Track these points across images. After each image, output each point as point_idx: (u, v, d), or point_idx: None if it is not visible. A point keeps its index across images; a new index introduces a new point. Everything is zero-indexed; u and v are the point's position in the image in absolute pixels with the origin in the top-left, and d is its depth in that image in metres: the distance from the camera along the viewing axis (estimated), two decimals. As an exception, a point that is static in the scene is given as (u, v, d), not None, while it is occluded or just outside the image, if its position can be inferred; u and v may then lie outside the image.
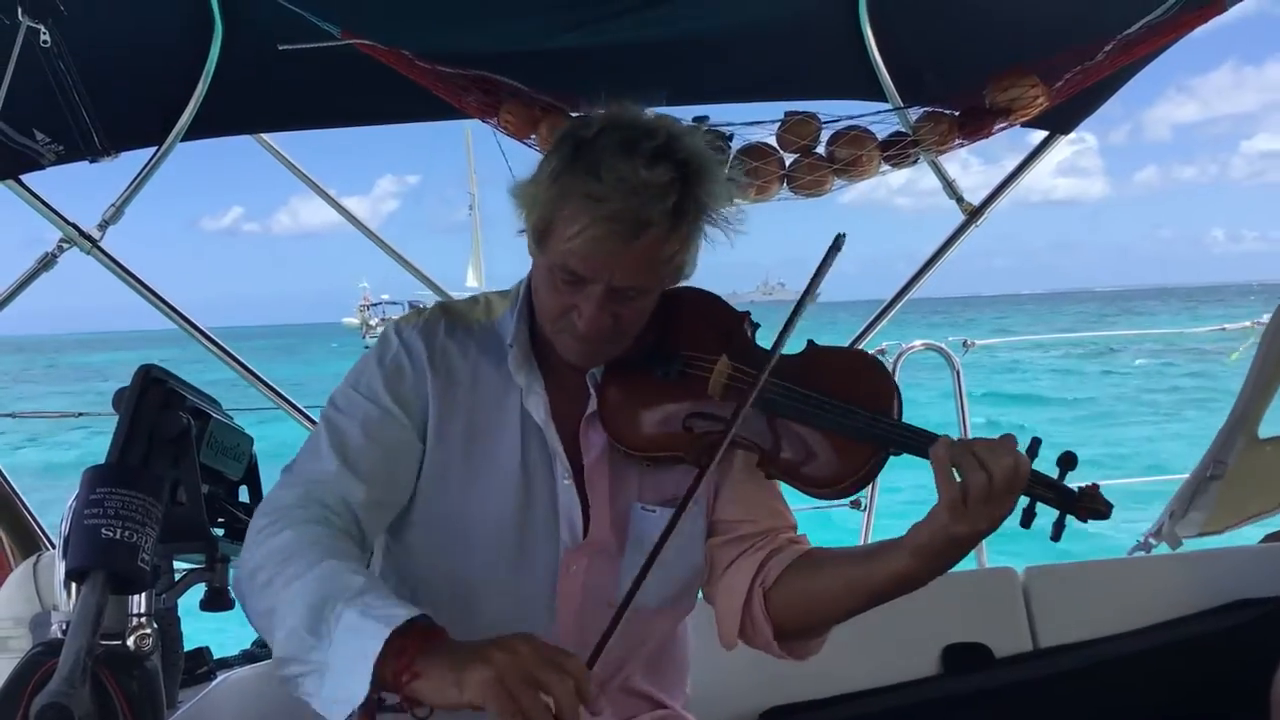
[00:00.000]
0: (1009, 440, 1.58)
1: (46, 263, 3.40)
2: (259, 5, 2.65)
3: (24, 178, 3.26)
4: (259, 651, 3.04)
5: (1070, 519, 1.65)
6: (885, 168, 3.26)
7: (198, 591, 2.01)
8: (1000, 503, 1.55)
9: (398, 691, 1.37)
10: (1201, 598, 2.96)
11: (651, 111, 1.77)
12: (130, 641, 1.77)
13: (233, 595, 2.02)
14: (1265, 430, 3.51)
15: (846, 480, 1.72)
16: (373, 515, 1.74)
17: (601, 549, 1.82)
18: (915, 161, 3.30)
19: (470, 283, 63.79)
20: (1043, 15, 3.23)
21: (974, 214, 3.79)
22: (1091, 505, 1.64)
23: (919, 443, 1.65)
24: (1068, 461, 1.63)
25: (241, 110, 3.41)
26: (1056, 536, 1.63)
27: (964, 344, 4.66)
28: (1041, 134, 3.74)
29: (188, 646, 2.26)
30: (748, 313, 1.88)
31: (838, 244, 1.78)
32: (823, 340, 1.85)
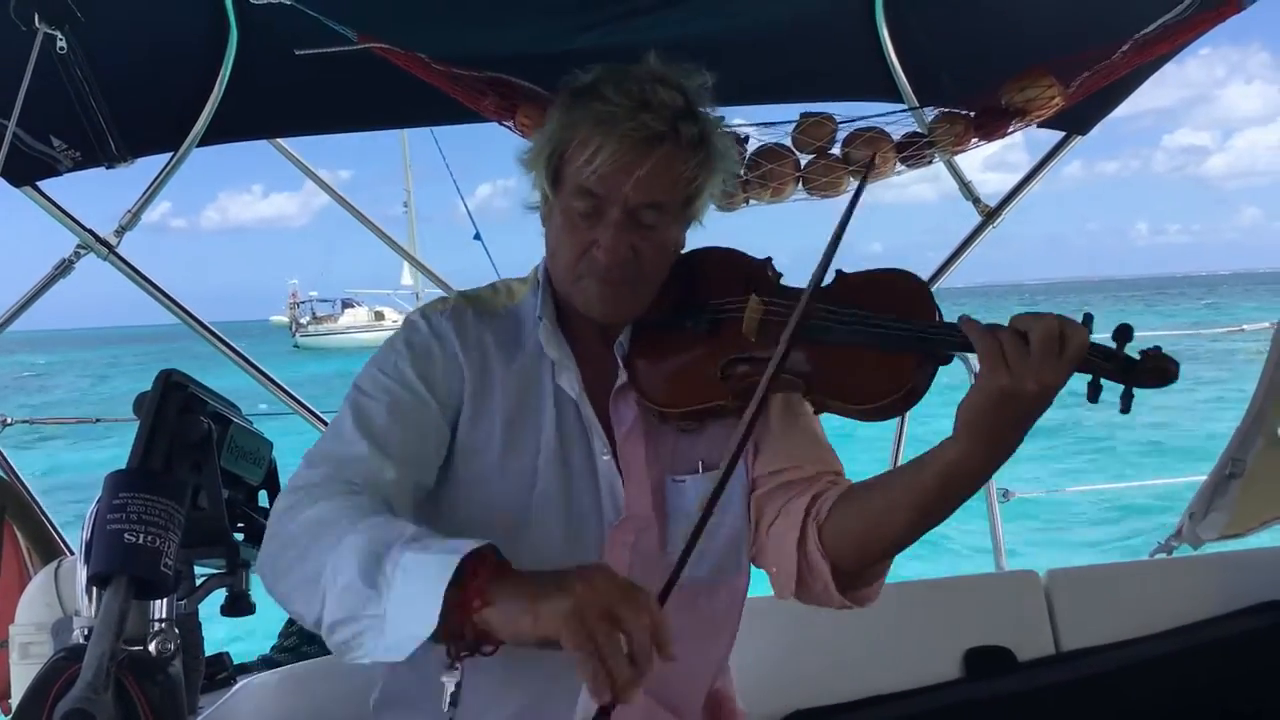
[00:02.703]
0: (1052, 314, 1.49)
1: (64, 269, 3.40)
2: (274, 10, 2.65)
3: (41, 184, 3.27)
4: (278, 657, 3.04)
5: (1138, 390, 1.53)
6: (901, 168, 3.24)
7: (216, 597, 2.01)
8: (1045, 362, 1.45)
9: (465, 622, 1.29)
10: (1225, 600, 2.95)
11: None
12: (152, 647, 1.76)
13: (253, 600, 2.02)
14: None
15: (897, 392, 1.63)
16: (401, 497, 1.66)
17: (645, 524, 1.80)
18: (931, 162, 3.28)
19: (405, 281, 62.04)
20: (1059, 15, 3.22)
21: (990, 215, 3.80)
22: (1157, 366, 1.53)
23: (960, 338, 1.56)
24: (1123, 333, 1.53)
25: (257, 114, 3.42)
26: (1125, 408, 1.52)
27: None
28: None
29: (207, 652, 2.25)
30: (769, 258, 1.85)
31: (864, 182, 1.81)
32: None
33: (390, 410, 1.70)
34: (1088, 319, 1.50)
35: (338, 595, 1.36)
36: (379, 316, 65.82)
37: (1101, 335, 1.50)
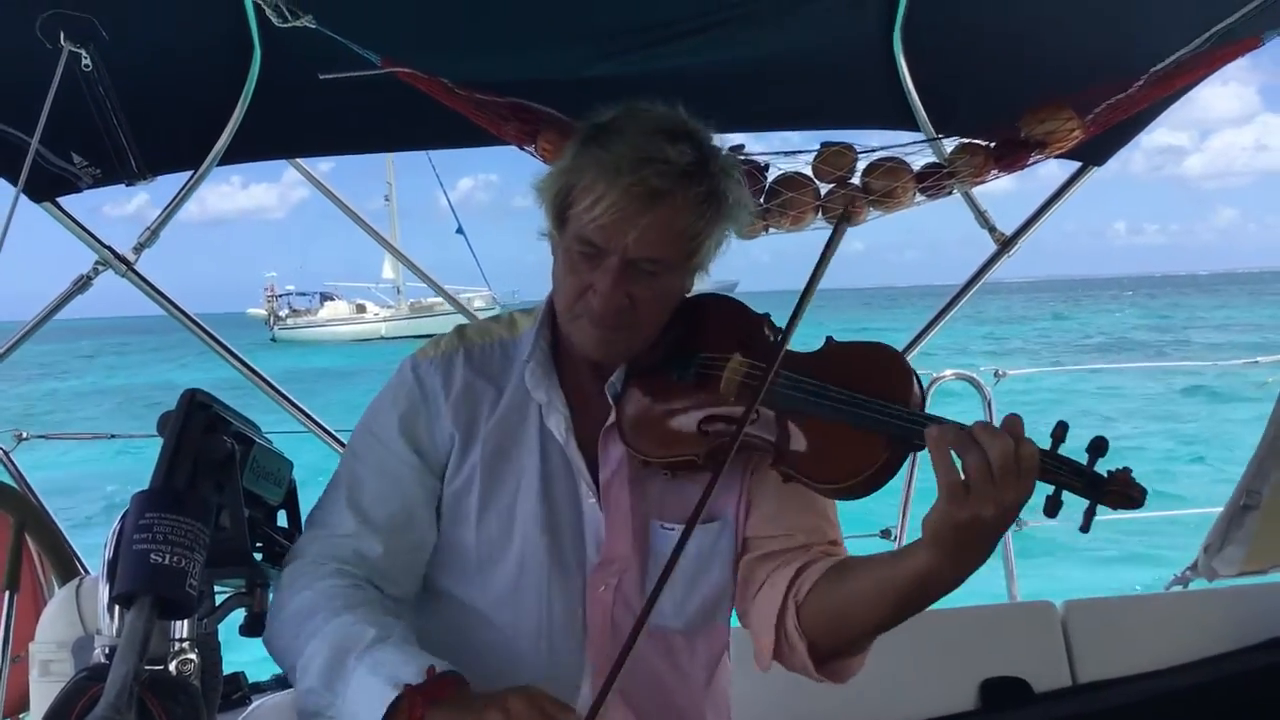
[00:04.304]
0: (1012, 420, 1.48)
1: (82, 285, 3.41)
2: (298, 32, 2.66)
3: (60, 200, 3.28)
4: (291, 677, 3.02)
5: (1100, 508, 1.50)
6: (920, 199, 3.25)
7: (234, 616, 2.00)
8: (1004, 486, 1.44)
9: None
10: (1240, 634, 2.94)
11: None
12: (172, 667, 1.76)
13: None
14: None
15: (860, 474, 1.61)
16: (398, 562, 1.80)
17: (625, 567, 1.81)
18: (950, 193, 3.29)
19: (387, 274, 62.79)
20: (1078, 48, 3.23)
21: (1006, 244, 3.80)
22: (1122, 491, 1.48)
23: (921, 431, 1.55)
24: (1098, 448, 1.48)
25: (278, 135, 3.43)
26: (1085, 527, 1.50)
27: (995, 374, 4.66)
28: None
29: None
30: (768, 315, 1.84)
31: (840, 228, 1.76)
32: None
33: (379, 476, 1.81)
34: (1061, 427, 1.49)
35: (305, 690, 1.61)
36: (360, 309, 65.89)
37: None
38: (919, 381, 1.67)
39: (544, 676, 1.69)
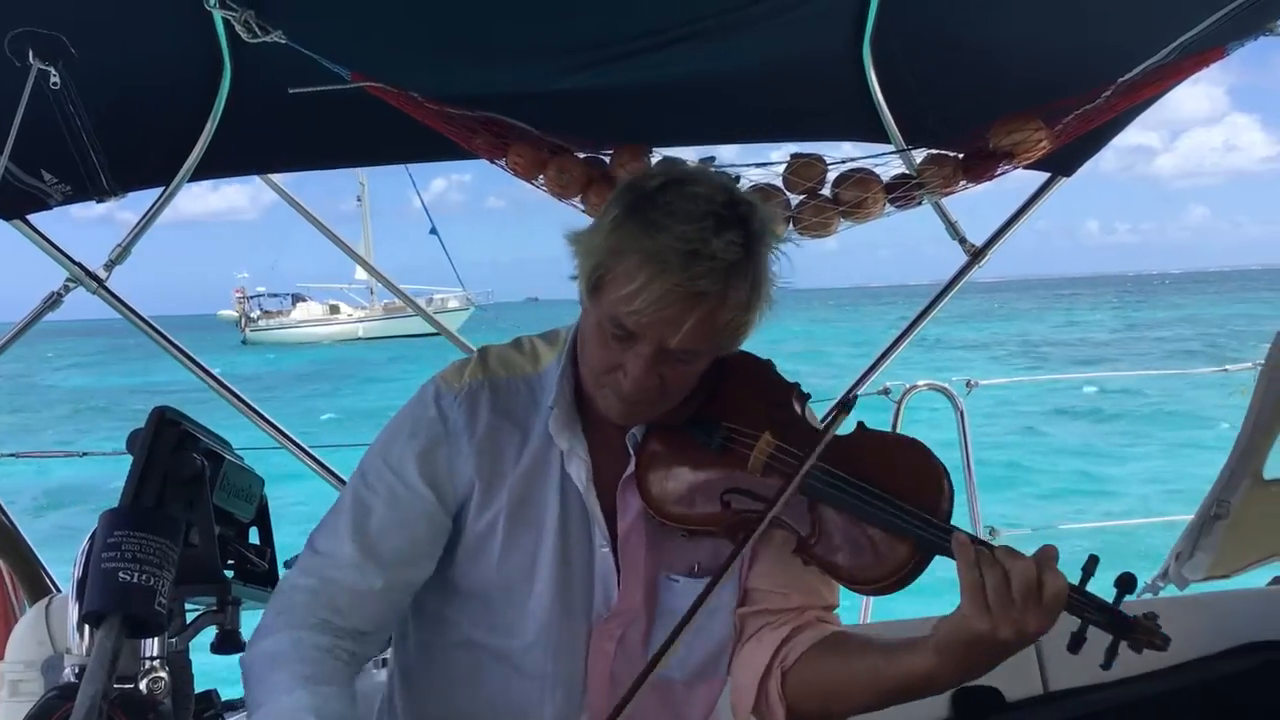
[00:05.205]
0: (1047, 550, 1.50)
1: (52, 303, 3.40)
2: (268, 48, 2.66)
3: (31, 217, 3.27)
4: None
5: (1123, 645, 1.53)
6: (890, 209, 3.28)
7: (207, 633, 1.99)
8: (1025, 610, 1.46)
9: None
10: (1211, 641, 2.95)
11: (709, 167, 1.76)
12: (143, 685, 1.75)
13: (243, 638, 2.01)
14: (1271, 471, 3.50)
15: (886, 579, 1.63)
16: (390, 599, 1.77)
17: (633, 619, 1.79)
18: (920, 203, 3.32)
19: (360, 275, 61.86)
20: (1046, 59, 3.26)
21: (977, 254, 3.83)
22: (1147, 636, 1.52)
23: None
24: (1125, 584, 1.51)
25: (249, 151, 3.43)
26: (1107, 665, 1.52)
27: (967, 384, 4.69)
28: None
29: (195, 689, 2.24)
30: (798, 384, 1.80)
31: (847, 406, 1.72)
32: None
33: (389, 507, 1.75)
34: (1092, 561, 1.51)
35: None
36: (334, 310, 65.41)
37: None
38: (950, 487, 1.66)
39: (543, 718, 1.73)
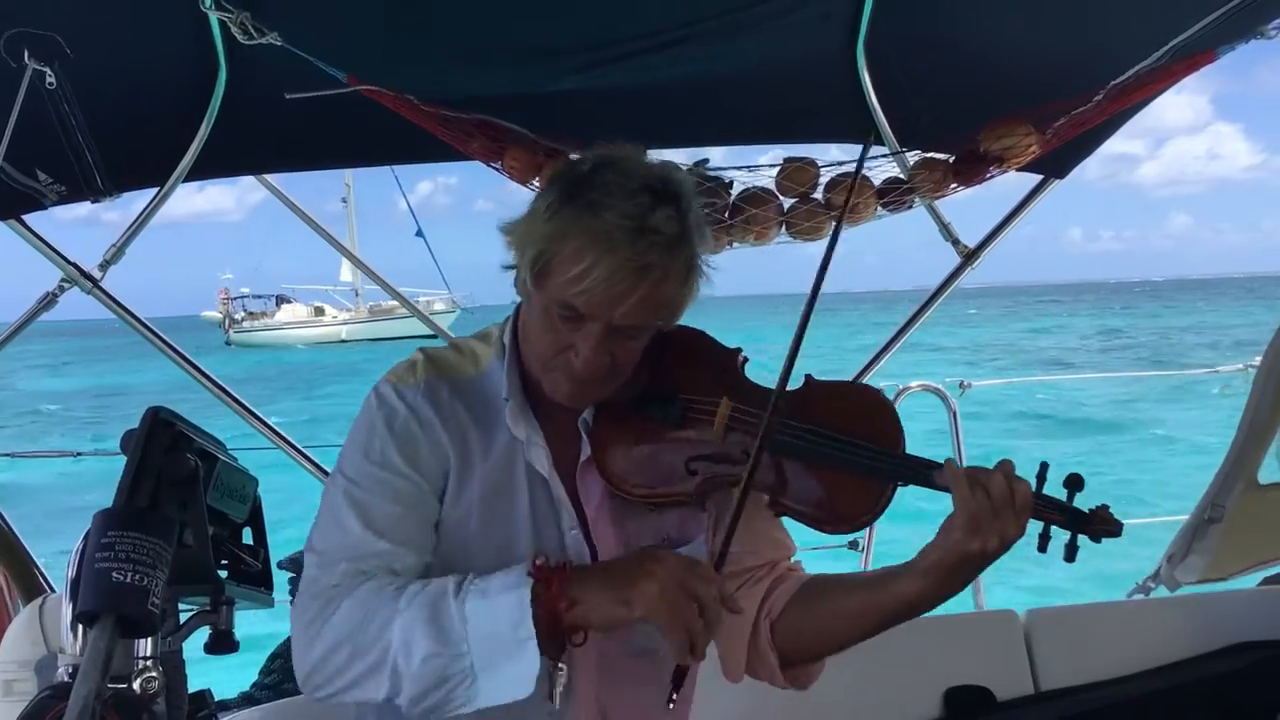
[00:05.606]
0: (1005, 463, 1.63)
1: (47, 303, 3.41)
2: (264, 50, 2.66)
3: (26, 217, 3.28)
4: (259, 694, 3.02)
5: (1083, 539, 1.66)
6: (882, 213, 3.29)
7: (200, 634, 2.00)
8: (1004, 520, 1.59)
9: (559, 627, 1.52)
10: (1201, 641, 2.96)
11: (640, 149, 1.75)
12: (136, 685, 1.75)
13: (236, 639, 2.01)
14: (1266, 476, 3.51)
15: (859, 517, 1.72)
16: (427, 562, 1.76)
17: None
18: (911, 206, 3.33)
19: (345, 277, 62.17)
20: (1037, 63, 3.27)
21: (970, 256, 3.84)
22: (1103, 525, 1.65)
23: (926, 473, 1.66)
24: (1074, 483, 1.66)
25: (244, 152, 3.44)
26: (1070, 557, 1.65)
27: (960, 385, 4.71)
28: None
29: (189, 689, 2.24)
30: (739, 349, 1.86)
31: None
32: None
33: (395, 501, 1.73)
34: (1043, 468, 1.65)
35: (416, 668, 1.54)
36: (318, 312, 65.11)
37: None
38: (900, 425, 1.74)
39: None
